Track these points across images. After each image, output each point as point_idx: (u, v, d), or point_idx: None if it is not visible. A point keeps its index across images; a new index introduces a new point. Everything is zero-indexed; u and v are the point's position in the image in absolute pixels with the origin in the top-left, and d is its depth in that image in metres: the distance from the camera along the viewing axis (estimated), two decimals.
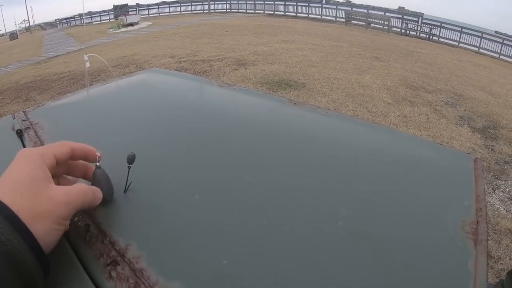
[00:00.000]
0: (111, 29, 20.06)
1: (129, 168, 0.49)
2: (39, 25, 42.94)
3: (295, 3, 23.11)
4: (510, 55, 15.25)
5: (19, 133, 0.71)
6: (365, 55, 9.25)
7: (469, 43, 16.65)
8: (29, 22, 43.11)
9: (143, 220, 0.45)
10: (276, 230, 0.44)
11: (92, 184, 0.46)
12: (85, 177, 0.49)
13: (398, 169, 0.61)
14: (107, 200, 0.47)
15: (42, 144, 0.65)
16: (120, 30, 19.11)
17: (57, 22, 36.88)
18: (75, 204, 0.38)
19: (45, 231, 0.34)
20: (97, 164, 0.47)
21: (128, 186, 0.50)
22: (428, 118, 4.95)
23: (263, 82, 6.05)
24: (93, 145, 0.47)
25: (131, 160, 0.49)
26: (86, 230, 0.43)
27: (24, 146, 0.66)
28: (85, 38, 16.77)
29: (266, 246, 0.42)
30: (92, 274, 0.37)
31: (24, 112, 0.84)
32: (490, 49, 15.94)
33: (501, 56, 15.39)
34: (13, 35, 29.15)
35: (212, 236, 0.42)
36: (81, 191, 0.40)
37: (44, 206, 0.35)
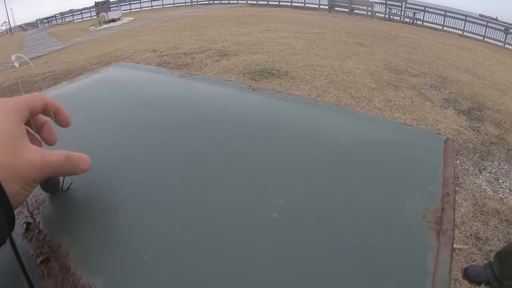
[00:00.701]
0: (93, 26, 19.79)
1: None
2: (20, 26, 42.21)
3: None
4: (495, 37, 15.41)
5: None
6: (348, 41, 9.21)
7: (454, 26, 16.81)
8: (9, 24, 42.37)
9: (80, 217, 0.44)
10: (204, 224, 0.41)
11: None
12: (40, 133, 0.45)
13: (357, 152, 0.54)
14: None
15: None
16: (102, 27, 18.83)
17: (38, 22, 36.37)
18: (49, 171, 0.37)
19: (16, 192, 0.33)
20: None
21: (69, 186, 0.47)
22: (412, 102, 4.93)
23: (245, 72, 5.96)
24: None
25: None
26: (26, 228, 0.43)
27: None
28: (66, 37, 16.49)
29: (192, 241, 0.39)
30: (27, 270, 0.38)
31: None
32: (474, 32, 16.08)
33: (485, 39, 15.57)
34: None
35: (138, 232, 0.41)
36: (57, 162, 0.38)
37: (19, 168, 0.33)
